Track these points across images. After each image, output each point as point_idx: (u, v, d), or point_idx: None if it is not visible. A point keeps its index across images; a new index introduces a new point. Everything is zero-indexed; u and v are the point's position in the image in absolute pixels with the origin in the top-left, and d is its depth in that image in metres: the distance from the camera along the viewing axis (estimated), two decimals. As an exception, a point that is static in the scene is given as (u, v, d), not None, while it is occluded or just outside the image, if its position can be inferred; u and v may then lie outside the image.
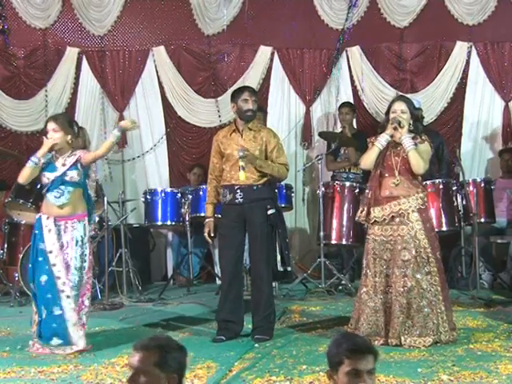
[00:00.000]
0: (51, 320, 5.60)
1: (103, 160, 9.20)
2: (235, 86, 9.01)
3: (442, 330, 5.60)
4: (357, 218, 5.94)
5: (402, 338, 5.57)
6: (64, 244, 5.65)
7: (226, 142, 6.09)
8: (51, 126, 5.74)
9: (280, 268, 6.05)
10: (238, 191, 5.96)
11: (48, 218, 5.68)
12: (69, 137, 5.75)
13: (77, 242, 5.65)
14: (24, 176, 5.77)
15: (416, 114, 5.85)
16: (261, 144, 6.06)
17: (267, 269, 5.97)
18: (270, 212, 5.97)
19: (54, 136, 5.71)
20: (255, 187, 5.98)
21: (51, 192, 5.70)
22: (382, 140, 5.71)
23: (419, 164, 5.63)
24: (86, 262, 5.68)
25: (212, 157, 6.18)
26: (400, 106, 5.73)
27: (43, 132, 5.89)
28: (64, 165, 5.73)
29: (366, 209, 5.76)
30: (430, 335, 5.53)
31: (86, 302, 5.72)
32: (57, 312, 5.60)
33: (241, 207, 5.97)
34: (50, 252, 5.63)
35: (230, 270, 6.00)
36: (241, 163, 5.84)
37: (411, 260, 5.57)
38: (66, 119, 5.93)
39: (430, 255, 5.59)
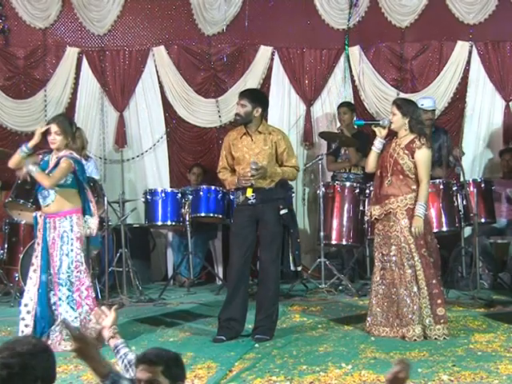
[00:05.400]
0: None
1: (102, 159, 9.24)
2: (235, 86, 9.04)
3: (427, 324, 5.81)
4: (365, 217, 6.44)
5: (388, 329, 5.87)
6: (52, 240, 5.77)
7: (237, 144, 6.12)
8: (54, 128, 5.85)
9: (292, 268, 6.12)
10: None
11: (41, 215, 5.86)
12: (69, 139, 5.87)
13: (61, 238, 5.76)
14: (12, 162, 5.94)
15: (413, 116, 5.97)
16: (271, 147, 6.10)
17: (276, 268, 6.04)
18: (282, 212, 6.03)
19: (56, 138, 5.81)
20: (267, 188, 6.03)
21: (39, 192, 5.86)
22: (376, 143, 6.10)
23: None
24: (72, 257, 5.77)
25: (223, 157, 6.22)
26: (391, 109, 6.09)
27: (47, 132, 5.90)
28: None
29: (369, 207, 6.20)
30: (410, 324, 5.76)
31: (82, 299, 5.78)
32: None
33: (253, 208, 6.02)
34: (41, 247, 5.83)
35: (238, 268, 6.03)
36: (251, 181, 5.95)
37: (397, 255, 5.87)
38: (67, 121, 6.02)
39: (414, 251, 5.85)
